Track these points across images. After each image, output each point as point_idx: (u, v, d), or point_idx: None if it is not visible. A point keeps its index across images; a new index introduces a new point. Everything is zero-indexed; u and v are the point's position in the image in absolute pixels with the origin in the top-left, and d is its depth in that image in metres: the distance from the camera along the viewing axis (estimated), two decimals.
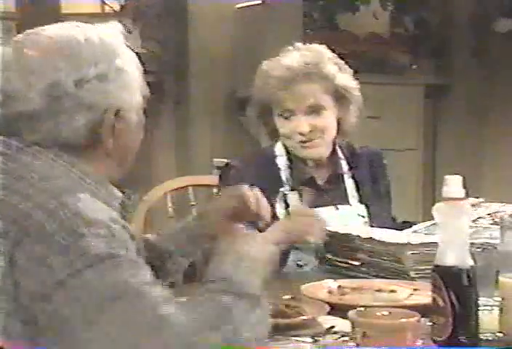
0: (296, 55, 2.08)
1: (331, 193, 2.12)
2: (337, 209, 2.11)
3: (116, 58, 1.24)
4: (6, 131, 1.21)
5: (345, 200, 2.12)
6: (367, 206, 2.14)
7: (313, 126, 2.06)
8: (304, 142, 2.08)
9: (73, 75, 1.19)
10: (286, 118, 2.08)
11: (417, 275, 1.79)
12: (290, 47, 2.13)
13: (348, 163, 2.16)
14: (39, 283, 1.08)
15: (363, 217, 2.12)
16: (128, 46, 1.29)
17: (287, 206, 2.07)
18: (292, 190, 2.09)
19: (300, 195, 2.09)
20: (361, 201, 2.15)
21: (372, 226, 2.09)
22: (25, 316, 1.08)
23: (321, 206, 2.07)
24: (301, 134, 2.07)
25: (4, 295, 1.08)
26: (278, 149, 2.14)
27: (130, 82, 1.26)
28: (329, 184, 2.14)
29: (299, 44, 2.13)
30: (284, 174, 2.11)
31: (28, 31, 1.26)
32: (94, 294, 1.07)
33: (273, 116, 2.11)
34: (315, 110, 2.07)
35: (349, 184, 2.15)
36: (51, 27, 1.26)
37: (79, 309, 1.06)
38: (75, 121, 1.20)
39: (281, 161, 2.12)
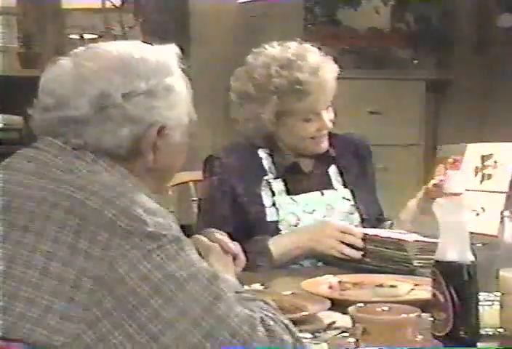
0: (313, 56, 2.06)
1: (316, 179, 2.14)
2: (323, 194, 2.13)
3: (167, 77, 1.29)
4: (51, 133, 1.25)
5: (329, 185, 2.15)
6: (352, 190, 2.16)
7: (330, 120, 2.09)
8: (318, 137, 2.08)
9: (122, 88, 1.24)
10: (308, 120, 2.07)
11: (419, 264, 1.79)
12: (278, 46, 2.09)
13: (329, 150, 2.17)
14: (107, 267, 1.11)
15: (348, 200, 2.14)
16: (182, 68, 1.33)
17: (273, 194, 2.08)
18: (275, 178, 2.10)
19: (285, 183, 2.10)
20: (345, 186, 2.16)
21: (357, 208, 2.11)
22: (87, 301, 1.10)
23: (307, 192, 2.10)
24: (324, 130, 2.08)
25: (65, 282, 1.11)
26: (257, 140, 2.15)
27: (178, 102, 1.30)
28: (314, 170, 2.16)
29: (293, 43, 2.10)
30: (266, 163, 2.12)
31: (89, 45, 1.33)
32: (169, 274, 1.12)
33: (282, 123, 2.08)
34: (329, 105, 2.09)
35: (332, 169, 2.17)
36: (111, 43, 1.32)
37: (155, 289, 1.11)
38: (119, 131, 1.24)
39: (262, 151, 2.13)
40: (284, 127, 2.08)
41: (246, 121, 2.11)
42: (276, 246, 1.99)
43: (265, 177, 2.10)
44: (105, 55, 1.27)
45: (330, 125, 2.08)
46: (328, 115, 2.08)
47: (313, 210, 2.08)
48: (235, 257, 1.55)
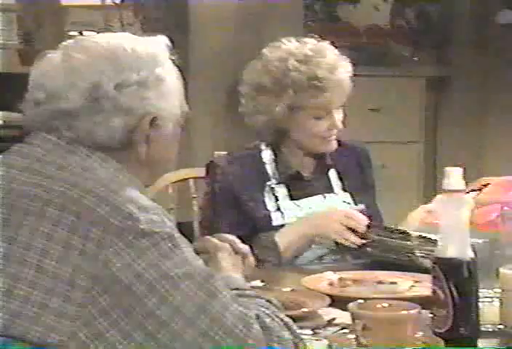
0: (331, 53, 2.07)
1: (317, 184, 2.14)
2: (325, 197, 2.13)
3: (157, 67, 1.28)
4: (45, 128, 1.25)
5: (330, 189, 2.15)
6: (352, 194, 2.17)
7: (340, 120, 2.10)
8: (328, 137, 2.09)
9: (114, 79, 1.23)
10: (320, 118, 2.07)
11: (421, 254, 1.80)
12: (295, 41, 2.10)
13: (330, 154, 2.17)
14: (102, 265, 1.10)
15: (349, 203, 2.14)
16: (172, 59, 1.32)
17: (276, 199, 2.08)
18: (278, 183, 2.10)
19: (288, 189, 2.10)
20: (344, 190, 2.17)
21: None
22: (82, 299, 1.10)
23: (309, 196, 2.11)
24: (335, 130, 2.08)
25: (61, 280, 1.11)
26: (264, 144, 2.14)
27: (169, 92, 1.30)
28: (314, 175, 2.16)
29: (311, 40, 2.11)
30: (270, 168, 2.11)
31: (78, 37, 1.32)
32: (163, 273, 1.12)
33: (293, 118, 2.08)
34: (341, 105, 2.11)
35: (332, 174, 2.18)
36: (100, 35, 1.32)
37: (150, 288, 1.11)
38: (111, 123, 1.24)
39: (266, 155, 2.13)
40: (295, 123, 2.08)
41: (257, 114, 2.10)
42: (282, 238, 2.00)
43: (268, 183, 2.10)
44: (94, 47, 1.26)
45: (340, 125, 2.09)
46: (339, 115, 2.09)
47: None
48: (244, 257, 1.56)
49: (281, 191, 2.10)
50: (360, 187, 2.20)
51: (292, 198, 2.10)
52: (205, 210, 2.15)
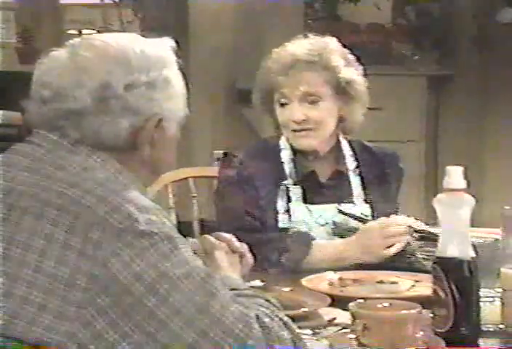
0: (302, 43, 2.05)
1: (334, 190, 2.06)
2: (340, 210, 2.03)
3: (165, 69, 1.28)
4: (47, 127, 1.24)
5: (349, 198, 2.06)
6: (372, 206, 2.07)
7: (307, 116, 2.02)
8: (297, 131, 2.03)
9: (124, 80, 1.23)
10: (282, 105, 2.04)
11: (422, 256, 1.79)
12: (300, 36, 2.10)
13: (357, 160, 2.11)
14: (100, 266, 1.10)
15: (366, 216, 2.03)
16: (177, 61, 1.32)
17: (289, 200, 2.03)
18: (294, 184, 2.04)
19: (303, 190, 2.04)
20: (366, 201, 2.08)
21: None
22: (81, 299, 1.10)
23: (323, 203, 2.03)
24: (295, 122, 2.02)
25: (59, 280, 1.10)
26: (283, 141, 2.09)
27: (175, 94, 1.30)
28: (331, 180, 2.08)
29: (311, 35, 2.10)
30: (288, 168, 2.06)
31: (84, 36, 1.32)
32: (162, 273, 1.11)
33: (273, 104, 2.08)
34: (311, 99, 2.02)
35: (355, 181, 2.09)
36: (107, 34, 1.31)
37: (149, 288, 1.11)
38: (118, 123, 1.23)
39: (285, 154, 2.08)
40: (270, 110, 2.08)
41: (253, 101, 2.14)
42: (319, 248, 1.91)
43: (284, 182, 2.04)
44: (103, 46, 1.26)
45: (298, 117, 2.01)
46: (304, 109, 2.01)
47: (326, 223, 2.01)
48: (241, 257, 1.55)
49: (296, 192, 2.03)
50: (380, 196, 2.10)
51: (305, 201, 2.03)
52: (215, 200, 2.11)
